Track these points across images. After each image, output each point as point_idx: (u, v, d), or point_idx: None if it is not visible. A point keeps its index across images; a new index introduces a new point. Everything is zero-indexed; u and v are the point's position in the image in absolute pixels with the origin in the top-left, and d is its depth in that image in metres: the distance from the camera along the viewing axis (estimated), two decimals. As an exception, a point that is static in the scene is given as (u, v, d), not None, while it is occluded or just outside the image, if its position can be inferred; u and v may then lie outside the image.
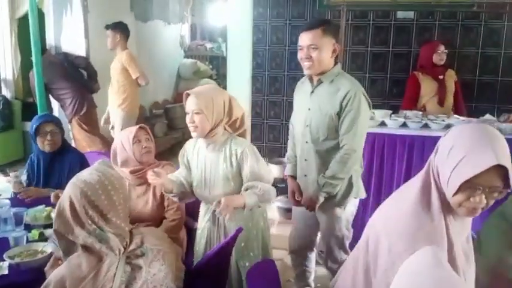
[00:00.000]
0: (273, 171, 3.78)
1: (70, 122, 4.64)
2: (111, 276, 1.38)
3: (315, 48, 2.12)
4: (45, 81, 4.30)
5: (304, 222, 2.50)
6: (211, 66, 8.54)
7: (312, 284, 2.69)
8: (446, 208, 1.19)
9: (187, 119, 1.92)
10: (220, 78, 8.43)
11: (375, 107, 3.98)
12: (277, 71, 4.46)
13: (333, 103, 2.16)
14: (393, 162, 3.24)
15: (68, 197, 1.38)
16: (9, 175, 5.04)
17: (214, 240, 2.03)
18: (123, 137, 2.30)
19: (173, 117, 7.00)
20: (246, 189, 1.90)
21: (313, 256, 2.64)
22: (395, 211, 1.26)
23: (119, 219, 1.42)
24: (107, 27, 4.37)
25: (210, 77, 8.25)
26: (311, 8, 4.31)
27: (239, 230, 1.80)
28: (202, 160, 2.01)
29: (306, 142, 2.29)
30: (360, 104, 2.14)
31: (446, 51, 3.74)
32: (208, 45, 8.72)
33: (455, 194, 1.13)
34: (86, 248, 1.40)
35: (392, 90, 4.31)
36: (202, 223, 2.10)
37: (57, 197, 2.35)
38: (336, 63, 2.24)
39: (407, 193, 1.26)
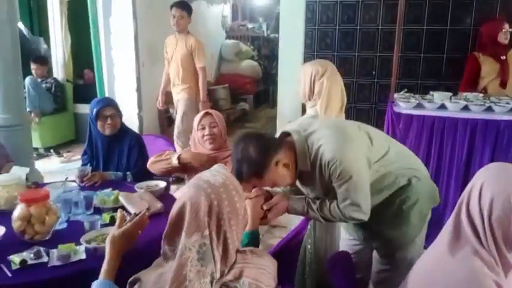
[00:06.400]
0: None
1: None
2: None
3: None
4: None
5: None
6: (252, 47, 8.46)
7: None
8: None
9: None
10: (262, 59, 8.32)
11: (430, 88, 3.83)
12: (326, 52, 4.36)
13: None
14: (453, 146, 3.12)
15: (187, 197, 1.18)
16: (63, 156, 5.23)
17: None
18: (194, 122, 2.37)
19: (216, 99, 6.99)
20: None
21: None
22: None
23: (237, 230, 1.21)
24: (175, 4, 4.08)
25: (252, 58, 8.17)
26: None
27: None
28: None
29: None
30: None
31: (511, 29, 3.52)
32: (250, 25, 8.62)
33: None
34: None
35: (449, 70, 4.12)
36: None
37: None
38: None
39: None
